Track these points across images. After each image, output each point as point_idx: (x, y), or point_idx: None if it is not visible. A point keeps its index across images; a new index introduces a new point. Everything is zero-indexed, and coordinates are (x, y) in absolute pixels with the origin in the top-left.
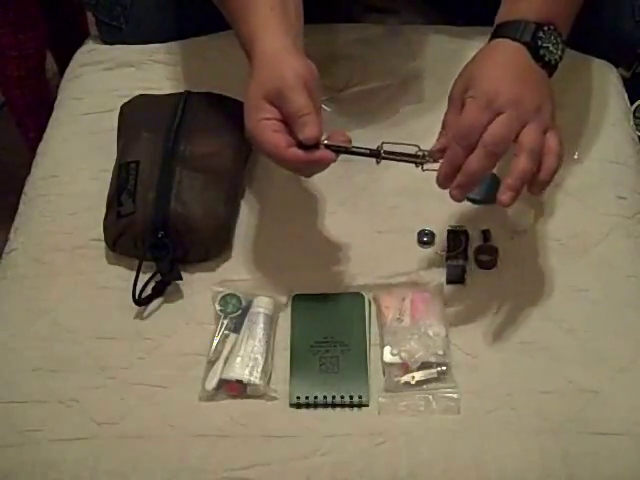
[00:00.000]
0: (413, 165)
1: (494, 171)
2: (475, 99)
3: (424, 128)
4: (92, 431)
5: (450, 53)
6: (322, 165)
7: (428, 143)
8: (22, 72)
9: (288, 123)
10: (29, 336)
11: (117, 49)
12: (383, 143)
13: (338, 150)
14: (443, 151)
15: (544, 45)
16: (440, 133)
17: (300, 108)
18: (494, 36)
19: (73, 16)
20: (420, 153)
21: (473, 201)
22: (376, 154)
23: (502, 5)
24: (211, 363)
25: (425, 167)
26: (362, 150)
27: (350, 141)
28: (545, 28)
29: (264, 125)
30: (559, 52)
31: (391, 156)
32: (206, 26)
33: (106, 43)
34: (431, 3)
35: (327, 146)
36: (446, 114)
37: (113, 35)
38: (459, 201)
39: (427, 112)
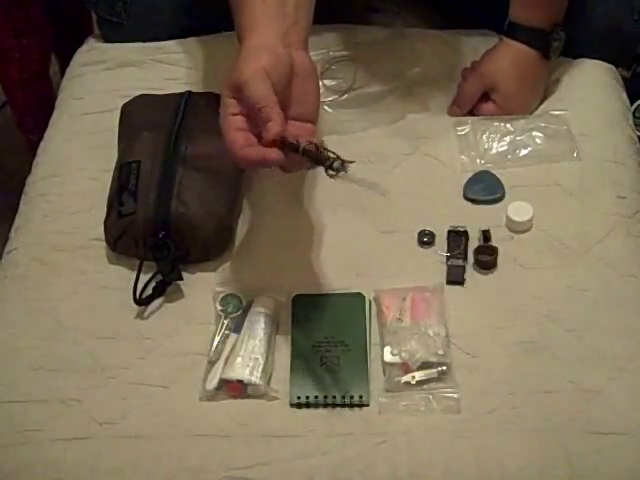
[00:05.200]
0: (413, 165)
1: (494, 173)
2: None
3: (427, 132)
4: (93, 431)
5: (454, 57)
6: (273, 164)
7: (430, 146)
8: (24, 74)
9: (251, 117)
10: (30, 336)
11: (118, 48)
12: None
13: (291, 149)
14: None
15: (554, 47)
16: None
17: (257, 100)
18: (509, 36)
19: (78, 17)
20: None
21: (473, 201)
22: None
23: (513, 5)
24: (212, 363)
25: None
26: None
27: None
28: (555, 34)
29: (230, 121)
30: (562, 43)
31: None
32: (208, 21)
33: (107, 41)
34: (431, 5)
35: (282, 143)
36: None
37: (114, 32)
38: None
39: (430, 116)
